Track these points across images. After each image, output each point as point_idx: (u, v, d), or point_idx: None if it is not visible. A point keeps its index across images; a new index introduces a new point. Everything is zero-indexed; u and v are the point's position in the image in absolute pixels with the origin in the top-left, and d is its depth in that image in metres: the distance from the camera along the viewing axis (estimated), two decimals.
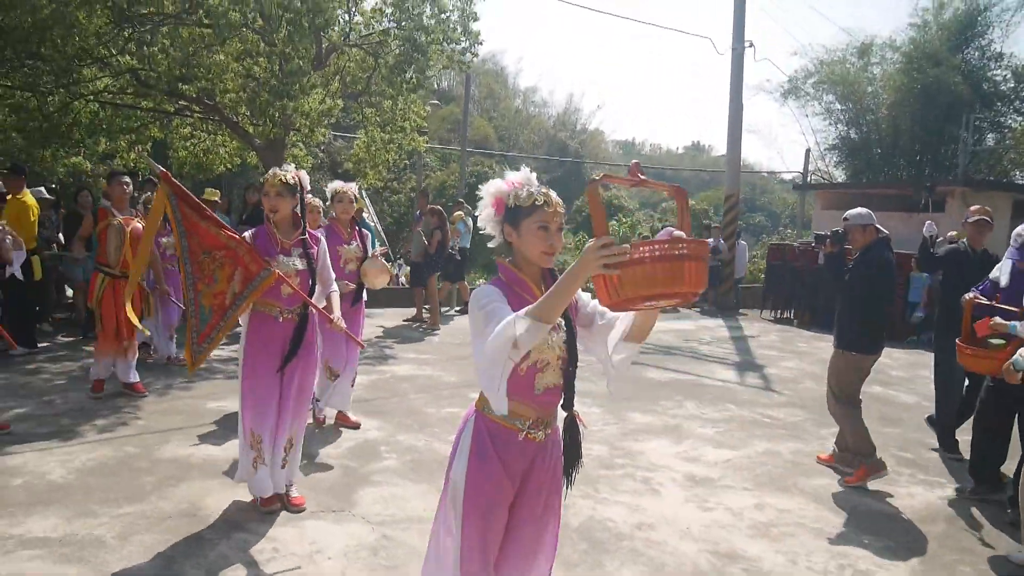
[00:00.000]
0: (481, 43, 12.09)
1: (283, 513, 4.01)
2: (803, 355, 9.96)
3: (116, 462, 4.63)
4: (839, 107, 24.45)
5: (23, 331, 7.29)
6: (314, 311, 4.07)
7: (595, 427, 5.88)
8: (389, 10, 11.16)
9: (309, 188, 4.27)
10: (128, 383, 6.18)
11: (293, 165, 4.20)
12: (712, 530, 4.13)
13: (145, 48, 9.68)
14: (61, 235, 9.25)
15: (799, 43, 78.52)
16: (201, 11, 9.26)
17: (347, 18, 11.21)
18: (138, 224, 6.09)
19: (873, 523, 4.40)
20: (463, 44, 11.87)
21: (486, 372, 2.12)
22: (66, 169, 12.55)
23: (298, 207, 4.05)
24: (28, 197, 7.39)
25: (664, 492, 4.66)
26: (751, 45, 15.14)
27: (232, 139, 12.67)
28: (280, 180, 3.94)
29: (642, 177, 2.10)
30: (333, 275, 4.33)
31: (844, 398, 5.13)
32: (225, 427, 5.42)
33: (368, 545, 3.71)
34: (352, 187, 5.49)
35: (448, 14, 11.33)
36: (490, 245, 2.34)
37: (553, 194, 2.24)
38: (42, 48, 9.03)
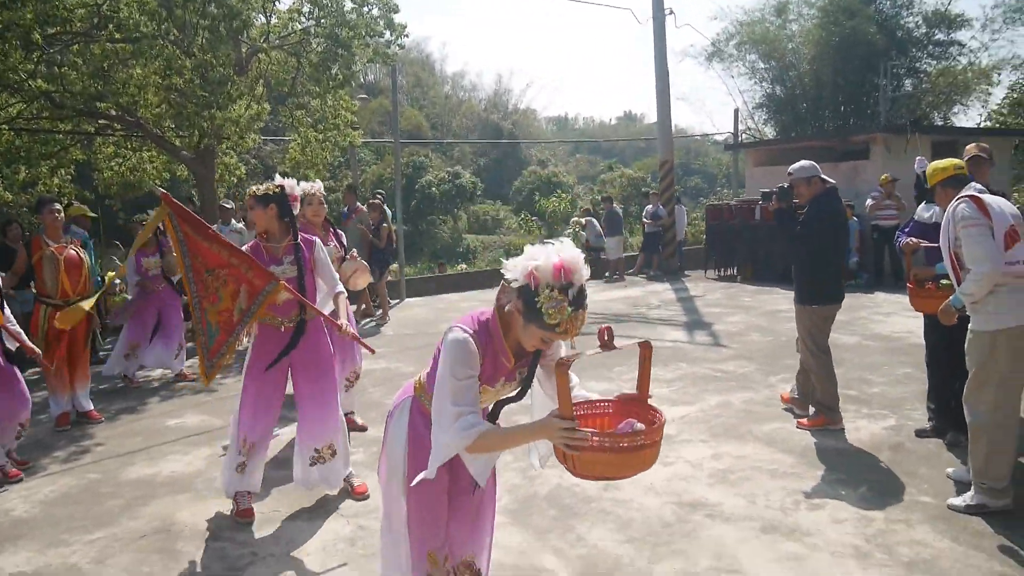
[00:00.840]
0: (407, 35, 12.07)
1: (258, 518, 4.06)
2: (748, 309, 10.28)
3: (79, 490, 4.60)
4: (763, 66, 24.99)
5: None
6: (319, 317, 4.10)
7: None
8: (307, 8, 11.06)
9: (300, 195, 4.44)
10: (83, 411, 6.10)
11: (283, 178, 4.31)
12: (674, 483, 4.31)
13: (56, 69, 9.42)
14: None
15: (718, 7, 79.62)
16: (111, 26, 9.05)
17: (264, 20, 11.07)
18: (72, 251, 5.96)
19: (824, 459, 4.65)
20: (387, 37, 11.83)
21: (438, 447, 2.16)
22: None
23: (283, 215, 4.06)
24: None
25: None
26: (671, 12, 15.40)
27: (160, 154, 12.41)
28: (250, 194, 4.04)
29: (610, 343, 2.16)
30: (337, 276, 4.34)
31: (817, 350, 5.16)
32: (187, 443, 5.41)
33: (345, 537, 3.79)
34: (319, 187, 5.25)
35: (369, 7, 11.27)
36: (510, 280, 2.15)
37: (581, 318, 2.09)
38: None
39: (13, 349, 4.93)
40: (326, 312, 4.17)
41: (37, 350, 5.10)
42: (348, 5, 10.98)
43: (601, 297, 11.98)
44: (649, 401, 2.28)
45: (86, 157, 12.62)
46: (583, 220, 15.61)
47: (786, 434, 5.12)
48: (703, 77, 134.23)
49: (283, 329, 4.03)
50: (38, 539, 3.93)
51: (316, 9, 10.86)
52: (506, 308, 2.19)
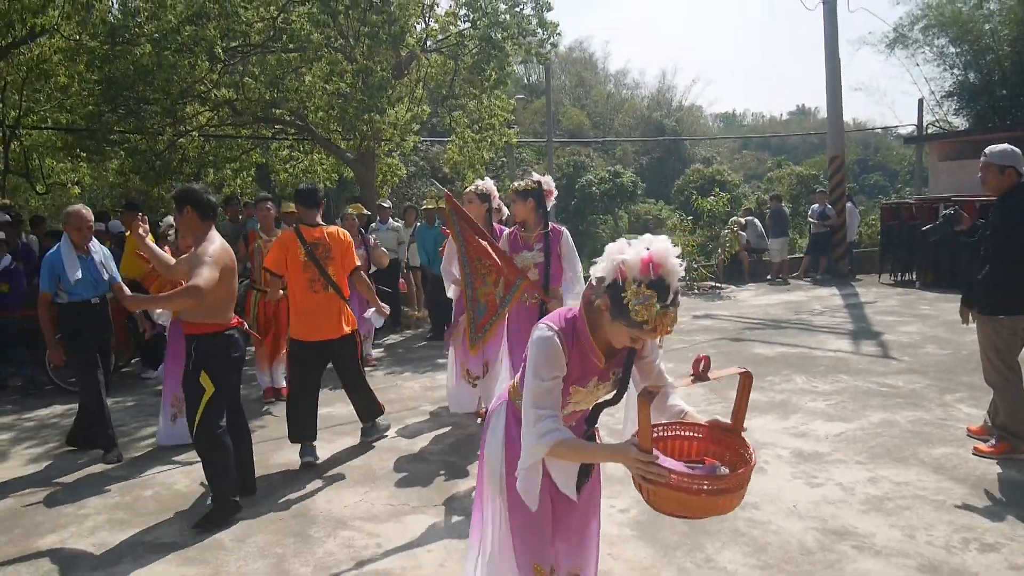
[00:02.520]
0: (559, 34, 12.06)
1: (386, 510, 4.15)
2: (926, 318, 9.36)
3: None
4: (953, 51, 22.71)
5: (153, 354, 7.85)
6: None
7: (698, 407, 5.70)
8: (463, 11, 11.30)
9: (497, 195, 5.13)
10: (278, 387, 6.70)
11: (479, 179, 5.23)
12: (821, 506, 3.95)
13: (237, 79, 10.21)
14: None
15: None
16: (285, 37, 9.68)
17: (423, 25, 11.43)
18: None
19: (1005, 492, 4.08)
20: (540, 36, 11.87)
21: (525, 453, 2.13)
22: None
23: (539, 207, 4.73)
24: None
25: (769, 469, 4.49)
26: None
27: (328, 156, 13.19)
28: (513, 189, 4.81)
29: (704, 374, 2.02)
30: (579, 265, 4.80)
31: (1003, 368, 4.57)
32: (333, 432, 5.64)
33: (466, 537, 3.78)
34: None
35: (522, 7, 11.36)
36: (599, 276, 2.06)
37: (671, 316, 1.94)
38: (148, 92, 9.69)
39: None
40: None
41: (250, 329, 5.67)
42: (502, 6, 11.12)
43: (760, 301, 11.37)
44: (743, 435, 2.12)
45: (264, 160, 13.64)
46: (743, 220, 14.90)
47: (959, 460, 4.55)
48: (883, 65, 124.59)
49: (527, 304, 4.69)
50: (192, 514, 4.22)
51: (471, 12, 11.08)
52: (595, 304, 2.06)
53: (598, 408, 2.30)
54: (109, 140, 10.91)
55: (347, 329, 5.05)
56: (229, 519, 4.07)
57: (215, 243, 4.06)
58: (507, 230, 4.95)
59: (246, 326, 4.88)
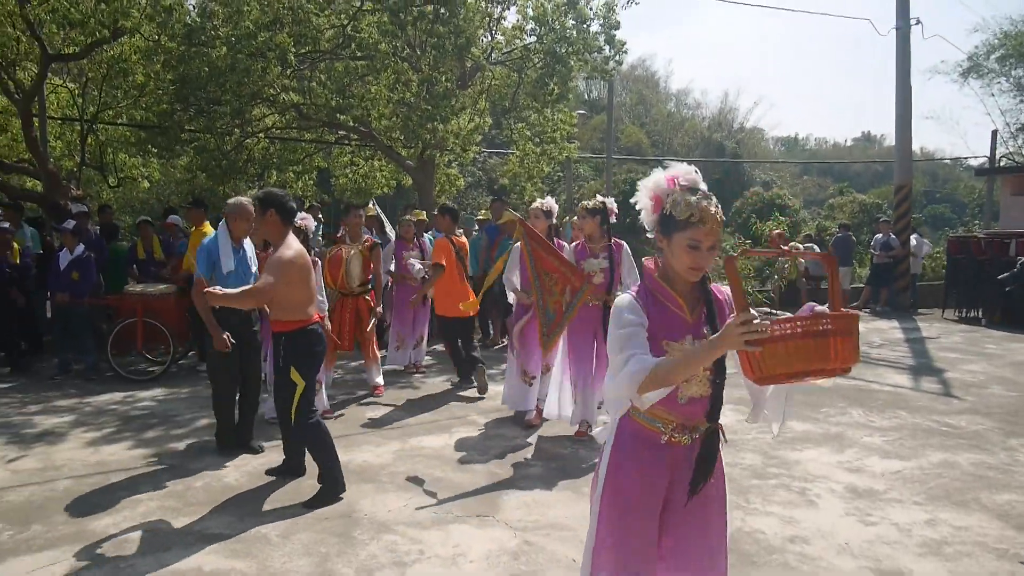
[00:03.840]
0: (625, 52, 12.03)
1: (429, 516, 4.15)
2: (991, 357, 9.01)
3: (283, 467, 4.97)
4: None
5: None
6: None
7: (748, 435, 5.62)
8: (530, 25, 11.37)
9: (616, 210, 5.61)
10: (372, 384, 7.03)
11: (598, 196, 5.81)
12: (875, 546, 3.81)
13: (305, 84, 10.44)
14: None
15: (979, 17, 71.46)
16: (353, 44, 9.87)
17: (488, 37, 11.53)
18: (343, 251, 6.66)
19: None
20: (606, 53, 11.86)
21: (611, 402, 2.19)
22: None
23: (603, 224, 5.48)
24: (207, 228, 8.14)
25: (821, 504, 4.37)
26: (918, 22, 14.02)
27: (388, 163, 13.38)
28: (582, 207, 5.58)
29: (786, 248, 2.05)
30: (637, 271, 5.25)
31: None
32: (381, 436, 5.69)
33: (509, 550, 3.76)
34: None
35: (589, 24, 11.38)
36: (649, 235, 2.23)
37: (712, 206, 2.06)
38: (220, 93, 9.98)
39: None
40: None
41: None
42: (570, 22, 11.15)
43: None
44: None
45: (326, 164, 13.90)
46: (802, 246, 14.60)
47: None
48: (956, 95, 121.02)
49: (591, 305, 5.40)
50: (240, 507, 4.30)
51: (539, 27, 11.15)
52: (657, 252, 2.17)
53: (718, 393, 2.18)
54: (180, 138, 11.26)
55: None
56: (336, 497, 4.36)
57: (291, 248, 4.30)
58: (575, 242, 5.72)
59: (327, 324, 5.42)
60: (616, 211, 5.58)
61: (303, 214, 5.71)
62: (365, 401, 6.84)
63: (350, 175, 13.63)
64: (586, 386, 5.52)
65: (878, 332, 11.08)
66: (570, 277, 5.31)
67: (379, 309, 6.92)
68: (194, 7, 11.24)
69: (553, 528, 4.01)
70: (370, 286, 6.76)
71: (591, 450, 5.31)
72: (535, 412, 6.01)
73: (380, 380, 7.07)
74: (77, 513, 4.23)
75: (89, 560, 3.68)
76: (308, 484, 4.63)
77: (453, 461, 5.09)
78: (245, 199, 5.30)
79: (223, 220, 5.25)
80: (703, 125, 56.32)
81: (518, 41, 11.72)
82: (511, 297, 6.12)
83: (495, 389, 6.85)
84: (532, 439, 5.62)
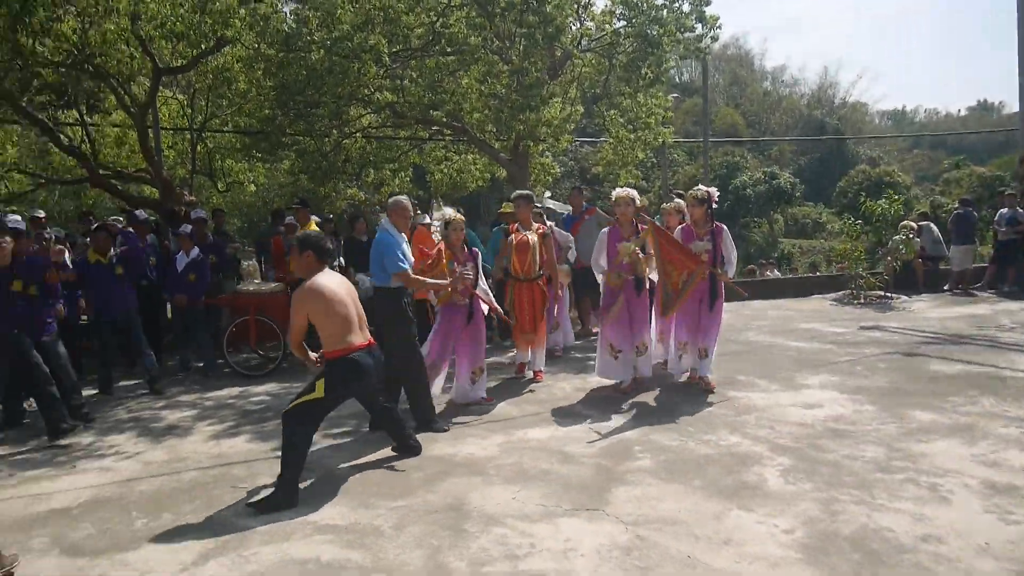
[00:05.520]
0: (719, 28, 11.64)
1: (538, 510, 4.12)
2: None
3: (392, 459, 5.06)
4: None
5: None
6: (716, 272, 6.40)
7: (869, 426, 5.32)
8: (619, 9, 11.15)
9: (716, 200, 6.50)
10: (535, 370, 7.21)
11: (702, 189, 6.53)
12: (1020, 547, 3.51)
13: (398, 82, 10.59)
14: (342, 259, 10.38)
15: None
16: (443, 40, 9.93)
17: (578, 25, 11.39)
18: (525, 236, 7.04)
19: None
20: (698, 31, 11.51)
21: None
22: (346, 201, 14.07)
23: (708, 210, 6.42)
24: (313, 227, 8.41)
25: (955, 500, 4.06)
26: None
27: (481, 156, 13.44)
28: (691, 195, 6.45)
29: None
30: (735, 252, 6.61)
31: None
32: (486, 429, 5.69)
33: (621, 545, 3.67)
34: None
35: (680, 3, 11.06)
36: None
37: None
38: (317, 96, 10.25)
39: (485, 312, 6.49)
40: None
41: (500, 310, 6.82)
42: (659, 2, 10.87)
43: (937, 313, 10.45)
44: None
45: (420, 160, 14.11)
46: (917, 224, 13.76)
47: None
48: None
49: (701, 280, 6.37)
50: (353, 498, 4.38)
51: (628, 10, 10.91)
52: None
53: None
54: (281, 142, 11.65)
55: None
56: (285, 509, 4.28)
57: (318, 281, 4.50)
58: (681, 226, 6.66)
59: (502, 312, 6.40)
60: (716, 199, 6.50)
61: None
62: (524, 388, 6.95)
63: (445, 170, 13.79)
64: (695, 343, 6.54)
65: (1007, 314, 10.30)
66: (687, 263, 6.26)
67: (560, 292, 7.58)
68: (290, 14, 11.59)
69: (665, 523, 3.90)
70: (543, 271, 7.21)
71: (701, 443, 5.15)
72: (629, 381, 6.60)
73: (542, 366, 7.27)
74: (203, 503, 4.42)
75: (215, 547, 3.83)
76: (416, 477, 4.69)
77: (559, 453, 5.04)
78: (402, 197, 5.80)
79: (386, 216, 5.71)
80: (802, 103, 54.18)
81: (608, 26, 11.51)
82: (599, 278, 6.69)
83: (597, 381, 6.83)
84: (637, 431, 5.50)
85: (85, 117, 13.10)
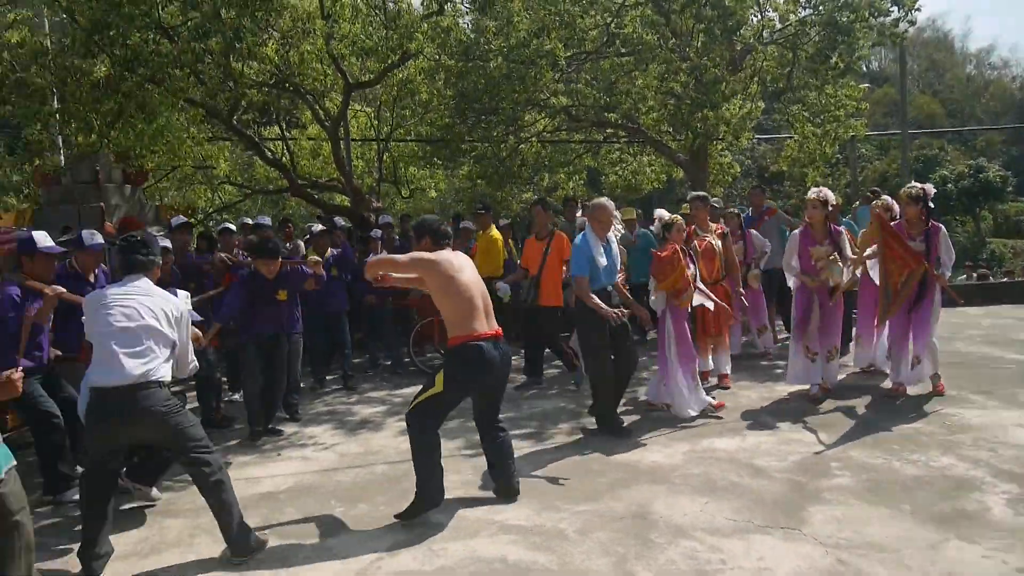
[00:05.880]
0: (918, 9, 10.67)
1: (728, 524, 3.94)
2: None
3: (575, 464, 5.05)
4: None
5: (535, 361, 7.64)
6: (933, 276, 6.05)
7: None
8: None
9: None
10: (721, 373, 6.99)
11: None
12: None
13: (573, 85, 10.62)
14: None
15: None
16: (618, 41, 9.84)
17: (759, 16, 10.89)
18: (710, 241, 6.84)
19: None
20: (894, 15, 10.62)
21: None
22: (520, 205, 14.34)
23: (924, 208, 6.03)
24: (494, 231, 8.60)
25: None
26: None
27: (657, 157, 13.21)
28: (905, 193, 6.10)
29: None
30: (952, 252, 6.31)
31: None
32: (670, 438, 5.53)
33: (822, 569, 3.42)
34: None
35: None
36: None
37: None
38: (495, 103, 10.51)
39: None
40: None
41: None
42: None
43: None
44: None
45: (595, 163, 14.10)
46: None
47: None
48: None
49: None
50: (537, 499, 4.40)
51: None
52: None
53: None
54: (460, 149, 12.09)
55: None
56: (422, 513, 4.20)
57: (446, 253, 4.40)
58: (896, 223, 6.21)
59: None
60: (932, 195, 6.08)
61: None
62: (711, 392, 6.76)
63: (619, 172, 13.69)
64: (900, 350, 6.20)
65: None
66: (909, 262, 5.94)
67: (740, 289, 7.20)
68: (469, 24, 11.98)
69: (871, 548, 3.59)
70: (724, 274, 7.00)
71: (907, 462, 4.71)
72: (818, 387, 6.32)
73: (728, 370, 7.06)
74: (394, 496, 4.61)
75: (406, 539, 3.98)
76: (600, 483, 4.64)
77: (749, 465, 4.80)
78: (605, 199, 5.80)
79: (587, 223, 5.70)
80: (1013, 86, 48.84)
81: (792, 16, 10.89)
82: (791, 281, 6.51)
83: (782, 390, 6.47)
84: (834, 447, 5.12)
85: (285, 132, 14.27)
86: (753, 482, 4.52)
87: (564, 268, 6.95)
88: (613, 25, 10.17)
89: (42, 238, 4.88)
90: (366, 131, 14.94)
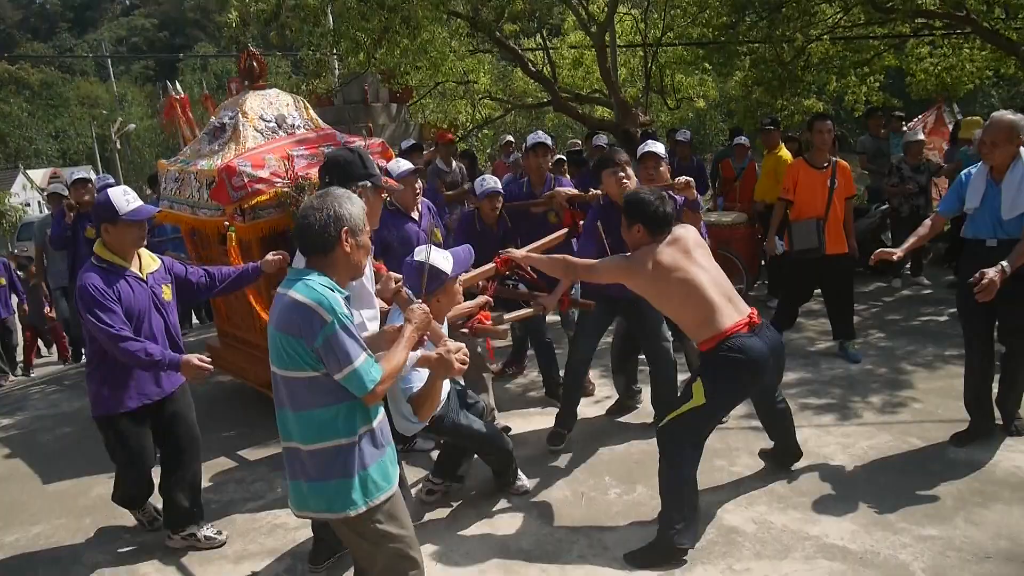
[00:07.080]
0: None
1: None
2: None
3: (899, 460, 4.09)
4: None
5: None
6: None
7: None
8: None
9: None
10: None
11: None
12: None
13: None
14: None
15: None
16: None
17: None
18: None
19: None
20: None
21: None
22: (801, 116, 12.63)
23: None
24: (783, 151, 7.46)
25: None
26: None
27: (981, 50, 10.88)
28: None
29: None
30: None
31: None
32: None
33: None
34: None
35: None
36: None
37: None
38: None
39: None
40: None
41: None
42: None
43: None
44: None
45: (897, 62, 11.97)
46: None
47: None
48: None
49: None
50: (862, 513, 3.57)
51: None
52: None
53: None
54: (736, 51, 10.76)
55: None
56: (672, 564, 3.27)
57: (664, 255, 3.34)
58: None
59: None
60: None
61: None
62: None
63: (929, 69, 11.43)
64: None
65: None
66: None
67: None
68: None
69: None
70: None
71: None
72: None
73: None
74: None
75: (703, 546, 3.39)
76: (946, 493, 3.69)
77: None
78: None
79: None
80: None
81: None
82: None
83: None
84: None
85: (546, 41, 13.68)
86: (895, 479, 3.34)
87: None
88: None
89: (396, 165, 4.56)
90: (631, 36, 13.91)
